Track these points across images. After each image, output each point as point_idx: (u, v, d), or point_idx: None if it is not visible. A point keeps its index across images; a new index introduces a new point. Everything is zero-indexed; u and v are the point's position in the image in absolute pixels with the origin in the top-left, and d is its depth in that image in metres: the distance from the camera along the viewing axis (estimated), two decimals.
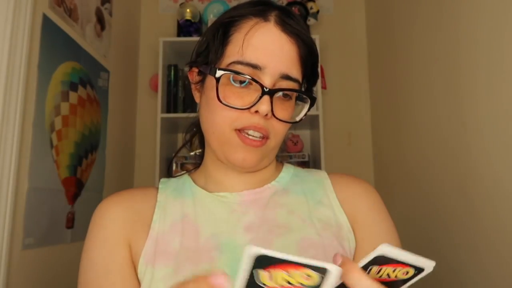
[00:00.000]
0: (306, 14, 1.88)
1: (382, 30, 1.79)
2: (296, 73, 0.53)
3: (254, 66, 0.51)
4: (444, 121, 1.17)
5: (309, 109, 0.57)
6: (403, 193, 1.49)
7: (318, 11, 1.91)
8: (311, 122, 1.81)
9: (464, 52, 1.05)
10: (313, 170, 0.66)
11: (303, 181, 0.61)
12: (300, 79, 0.55)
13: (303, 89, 0.58)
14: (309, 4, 1.89)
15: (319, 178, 0.61)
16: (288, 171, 0.63)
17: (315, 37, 1.73)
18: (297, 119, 0.56)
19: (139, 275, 0.52)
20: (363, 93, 1.99)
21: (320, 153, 1.69)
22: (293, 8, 1.86)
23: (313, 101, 0.56)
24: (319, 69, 0.74)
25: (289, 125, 0.55)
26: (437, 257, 1.19)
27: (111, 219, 0.55)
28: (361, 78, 2.00)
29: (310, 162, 1.82)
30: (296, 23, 0.54)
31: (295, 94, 0.55)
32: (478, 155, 0.98)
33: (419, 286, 1.21)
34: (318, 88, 1.72)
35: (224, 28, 0.55)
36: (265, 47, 0.52)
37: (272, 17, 0.54)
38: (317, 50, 0.58)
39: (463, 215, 1.06)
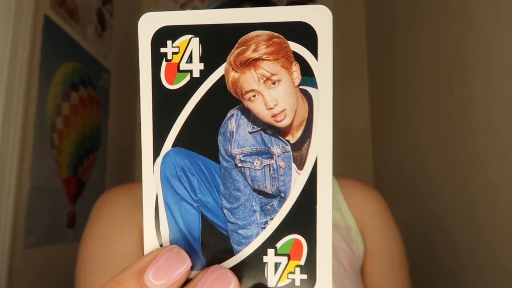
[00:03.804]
0: None
1: (382, 30, 1.79)
2: None
3: None
4: (445, 121, 1.17)
5: None
6: (403, 193, 1.49)
7: None
8: None
9: (465, 51, 1.05)
10: None
11: None
12: None
13: None
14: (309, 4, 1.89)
15: None
16: None
17: None
18: None
19: None
20: (363, 93, 1.99)
21: None
22: None
23: None
24: None
25: None
26: (436, 259, 1.20)
27: (121, 204, 0.53)
28: (361, 78, 2.00)
29: None
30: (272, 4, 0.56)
31: None
32: (480, 156, 0.99)
33: (422, 285, 1.20)
34: None
35: None
36: None
37: (247, 5, 0.55)
38: None
39: (464, 216, 1.06)
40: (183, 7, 1.92)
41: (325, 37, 0.19)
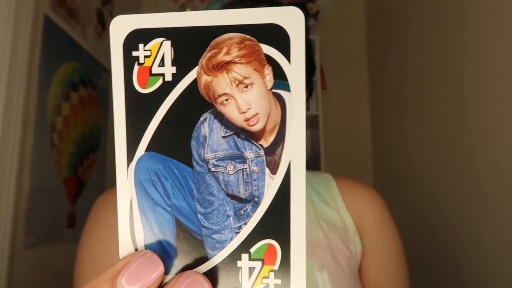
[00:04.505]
0: (305, 14, 1.88)
1: (382, 30, 1.79)
2: None
3: None
4: (445, 120, 1.17)
5: (307, 100, 0.56)
6: (403, 193, 1.49)
7: (318, 12, 1.91)
8: (311, 122, 1.82)
9: (466, 50, 1.05)
10: (318, 172, 0.66)
11: (308, 182, 0.61)
12: None
13: None
14: (309, 5, 1.90)
15: (324, 181, 0.61)
16: None
17: (315, 37, 1.73)
18: None
19: None
20: (363, 93, 1.99)
21: (320, 153, 1.70)
22: None
23: (310, 91, 0.55)
24: (315, 60, 0.73)
25: None
26: (439, 256, 1.20)
27: None
28: (361, 78, 2.00)
29: (309, 162, 1.82)
30: None
31: None
32: (480, 154, 0.98)
33: (422, 284, 1.19)
34: (318, 88, 1.73)
35: None
36: None
37: (263, 6, 0.52)
38: (309, 39, 0.58)
39: (464, 214, 1.06)
40: (182, 7, 1.93)
41: (298, 39, 0.19)
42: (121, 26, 0.20)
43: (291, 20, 0.19)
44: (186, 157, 0.20)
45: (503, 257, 0.88)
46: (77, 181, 1.34)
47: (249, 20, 0.19)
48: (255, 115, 0.19)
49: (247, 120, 0.19)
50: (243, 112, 0.19)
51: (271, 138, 0.20)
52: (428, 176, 1.28)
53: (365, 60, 2.01)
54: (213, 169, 0.20)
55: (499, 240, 0.90)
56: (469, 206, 1.03)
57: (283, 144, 0.19)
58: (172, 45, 0.20)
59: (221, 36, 0.19)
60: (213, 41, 0.19)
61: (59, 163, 1.23)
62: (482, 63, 0.96)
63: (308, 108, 1.72)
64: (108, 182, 1.57)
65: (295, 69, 0.19)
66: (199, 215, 0.20)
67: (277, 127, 0.19)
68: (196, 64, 0.19)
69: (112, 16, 1.67)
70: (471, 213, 1.02)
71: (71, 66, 1.31)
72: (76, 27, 1.36)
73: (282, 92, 0.19)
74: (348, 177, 0.63)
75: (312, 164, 1.82)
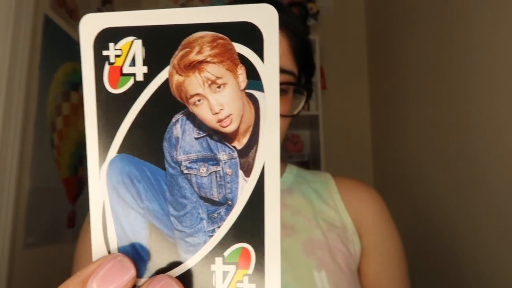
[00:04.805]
0: (305, 14, 1.88)
1: (382, 30, 1.79)
2: (290, 65, 0.52)
3: None
4: (446, 120, 1.17)
5: (306, 101, 0.55)
6: (403, 193, 1.49)
7: (318, 12, 1.91)
8: (310, 122, 1.82)
9: (468, 50, 1.05)
10: (317, 171, 0.65)
11: (307, 181, 0.61)
12: (296, 71, 0.54)
13: (302, 81, 0.57)
14: (309, 5, 1.90)
15: (323, 179, 0.61)
16: (292, 172, 0.62)
17: (315, 37, 1.73)
18: (295, 112, 0.54)
19: None
20: (363, 93, 1.99)
21: (320, 153, 1.70)
22: (293, 9, 1.86)
23: (309, 92, 0.55)
24: (315, 60, 0.72)
25: (288, 120, 0.53)
26: (441, 256, 1.20)
27: None
28: (361, 78, 2.00)
29: (309, 162, 1.82)
30: (286, 15, 0.52)
31: (291, 88, 0.54)
32: (482, 154, 0.98)
33: (424, 283, 1.19)
34: (318, 88, 1.73)
35: None
36: None
37: None
38: (309, 40, 0.57)
39: (463, 213, 1.06)
40: (183, 7, 1.92)
41: (271, 38, 0.18)
42: (91, 25, 0.20)
43: (265, 18, 0.18)
44: (158, 159, 0.19)
45: (506, 256, 0.88)
46: (77, 181, 1.34)
47: (221, 18, 0.18)
48: (228, 116, 0.19)
49: (220, 121, 0.19)
50: (216, 113, 0.19)
51: (244, 140, 0.19)
52: (428, 176, 1.28)
53: (365, 60, 2.01)
54: (185, 171, 0.19)
55: (502, 239, 0.89)
56: (471, 205, 1.02)
57: (257, 146, 0.19)
58: (143, 44, 0.19)
59: (192, 35, 0.19)
60: (185, 40, 0.19)
61: (59, 163, 1.23)
62: (485, 61, 0.96)
63: (308, 108, 1.72)
64: None
65: (269, 68, 0.18)
66: (172, 218, 0.20)
67: (251, 128, 0.19)
68: (168, 64, 0.19)
69: None
70: (473, 212, 1.02)
71: (71, 66, 1.31)
72: (76, 27, 1.36)
73: (255, 93, 0.19)
74: (347, 176, 0.63)
75: (312, 164, 1.82)
